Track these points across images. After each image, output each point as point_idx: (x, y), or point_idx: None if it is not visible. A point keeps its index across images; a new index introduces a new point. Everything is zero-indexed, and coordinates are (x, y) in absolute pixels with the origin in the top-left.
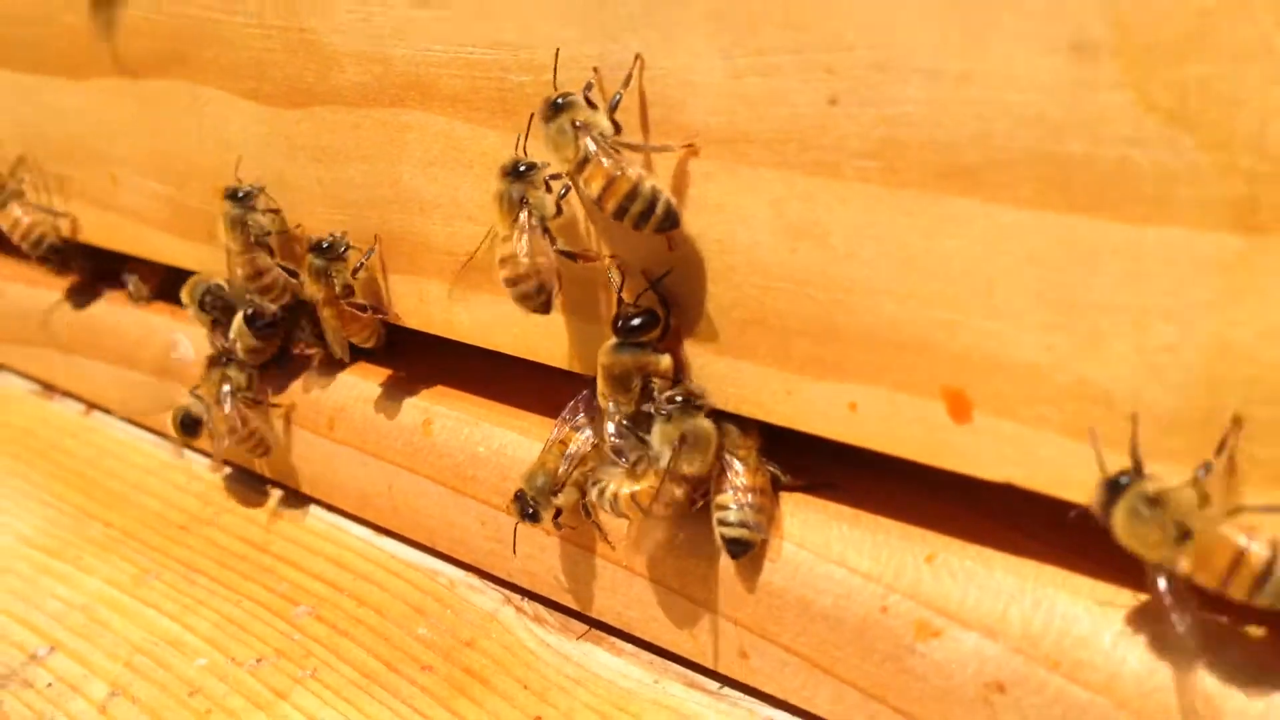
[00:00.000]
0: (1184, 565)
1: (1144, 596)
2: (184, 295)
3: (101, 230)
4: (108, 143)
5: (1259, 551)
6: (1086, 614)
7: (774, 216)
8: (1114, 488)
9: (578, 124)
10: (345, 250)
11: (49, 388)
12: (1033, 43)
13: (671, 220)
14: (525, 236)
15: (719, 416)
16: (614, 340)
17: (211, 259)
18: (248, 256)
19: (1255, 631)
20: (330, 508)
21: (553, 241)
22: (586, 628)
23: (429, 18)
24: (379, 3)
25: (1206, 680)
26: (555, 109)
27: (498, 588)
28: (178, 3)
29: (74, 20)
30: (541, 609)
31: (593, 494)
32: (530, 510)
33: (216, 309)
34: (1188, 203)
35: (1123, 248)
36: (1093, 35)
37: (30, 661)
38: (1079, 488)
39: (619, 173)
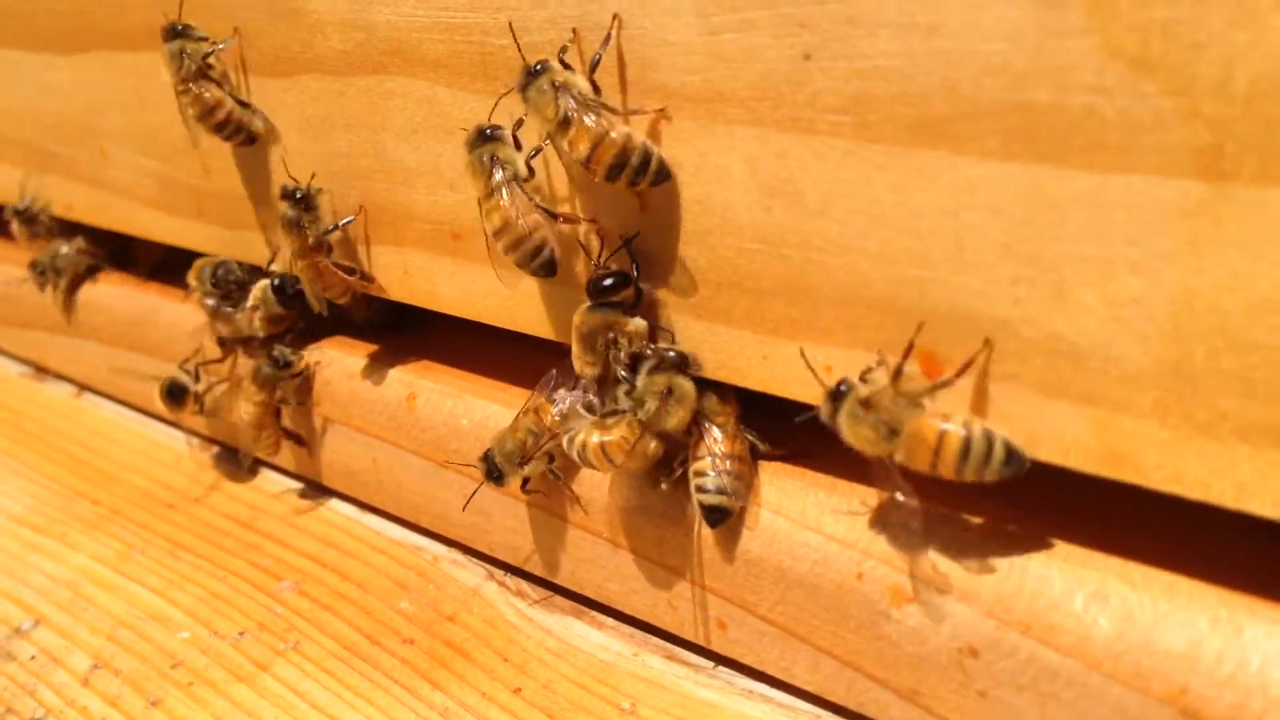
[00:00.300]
0: (900, 456)
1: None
2: (191, 278)
3: (92, 208)
4: (98, 117)
5: (956, 431)
6: (1059, 576)
7: (749, 175)
8: (836, 396)
9: (557, 84)
10: (317, 197)
11: (41, 370)
12: None
13: (664, 174)
14: (507, 196)
15: (698, 383)
16: (588, 302)
17: (201, 236)
18: (195, 93)
19: (974, 519)
20: (317, 485)
21: (529, 198)
22: (571, 603)
23: None
24: None
25: (936, 561)
26: (532, 75)
27: (481, 563)
28: None
29: None
30: (524, 583)
31: (563, 441)
32: (496, 473)
33: (229, 284)
34: (1151, 150)
35: (1088, 197)
36: None
37: (14, 635)
38: (1051, 446)
39: (606, 131)
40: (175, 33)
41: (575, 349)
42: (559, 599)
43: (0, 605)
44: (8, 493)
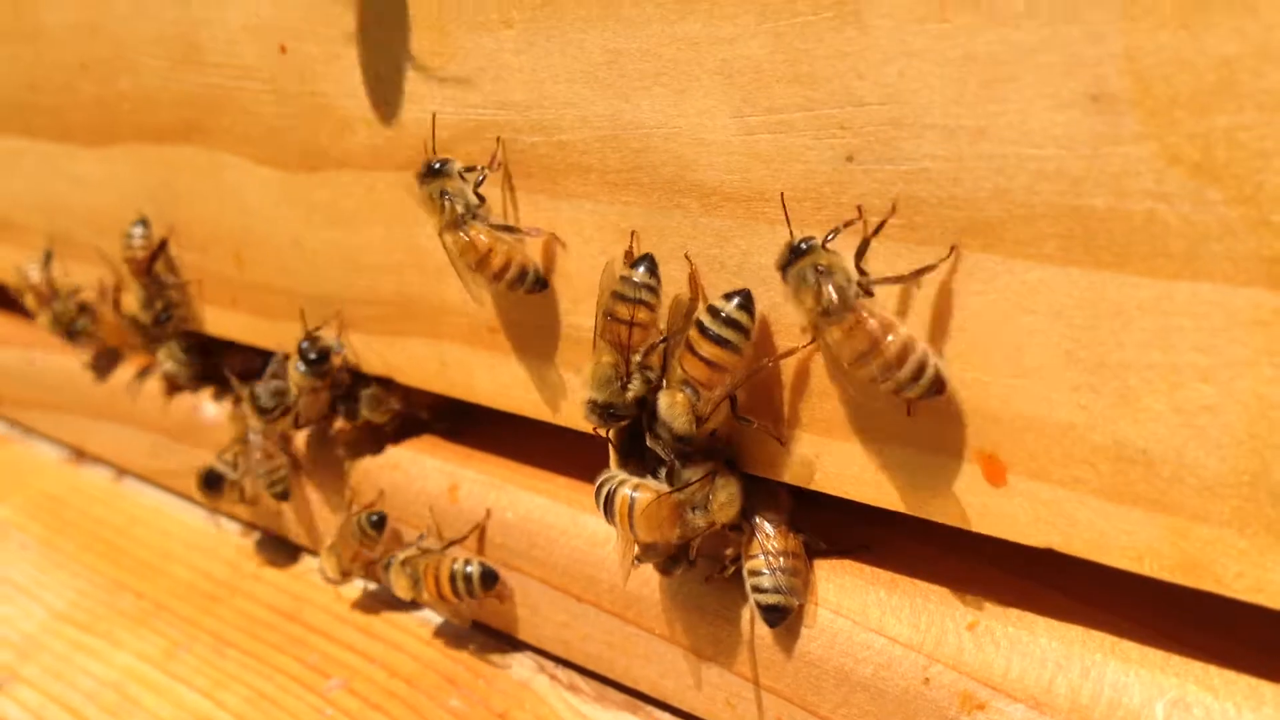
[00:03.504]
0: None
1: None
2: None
3: (128, 299)
4: (131, 211)
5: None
6: (1138, 683)
7: None
8: (795, 252)
9: (446, 192)
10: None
11: (79, 453)
12: (1049, 96)
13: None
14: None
15: (749, 480)
16: None
17: (235, 325)
18: None
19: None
20: None
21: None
22: (626, 697)
23: (437, 79)
24: (388, 66)
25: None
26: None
27: (531, 655)
28: (194, 71)
29: (93, 89)
30: (576, 676)
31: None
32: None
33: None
34: (1219, 258)
35: (1153, 304)
36: (1110, 87)
37: None
38: (1124, 554)
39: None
40: None
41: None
42: (613, 692)
43: (51, 711)
44: (51, 586)
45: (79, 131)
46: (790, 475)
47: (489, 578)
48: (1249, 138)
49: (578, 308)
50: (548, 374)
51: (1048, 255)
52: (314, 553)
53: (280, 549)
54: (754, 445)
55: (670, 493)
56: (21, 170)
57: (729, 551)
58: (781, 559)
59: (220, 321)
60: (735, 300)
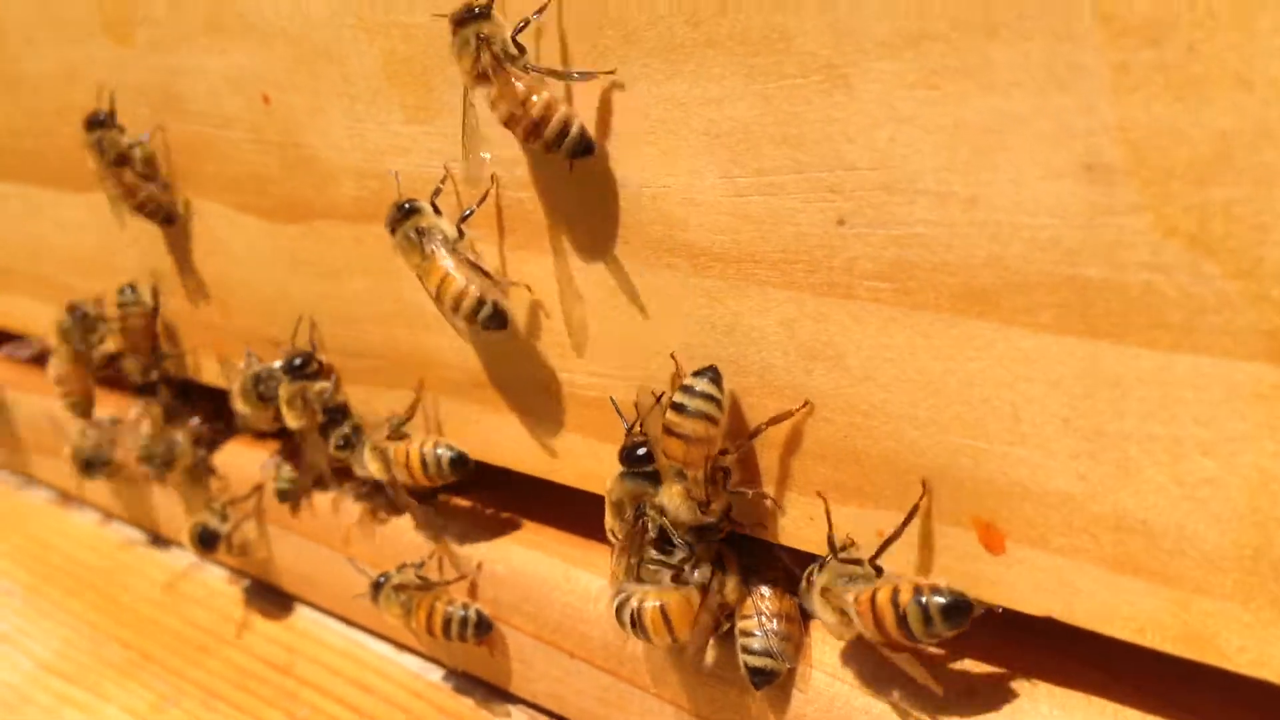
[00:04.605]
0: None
1: None
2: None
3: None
4: (113, 256)
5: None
6: None
7: (786, 338)
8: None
9: (422, 228)
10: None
11: (66, 496)
12: (1042, 164)
13: (585, 145)
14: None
15: (745, 540)
16: (620, 470)
17: (223, 375)
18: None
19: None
20: (351, 623)
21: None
22: None
23: (422, 133)
24: (373, 119)
25: None
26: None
27: (524, 708)
28: (175, 119)
29: (74, 133)
30: None
31: (613, 604)
32: None
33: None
34: (1218, 331)
35: (1151, 376)
36: (1105, 157)
37: None
38: (1126, 624)
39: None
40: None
41: (607, 514)
42: None
43: None
44: (36, 636)
45: (62, 176)
46: (787, 538)
47: (483, 627)
48: (1246, 211)
49: (566, 363)
50: (537, 429)
51: (1044, 324)
52: (307, 602)
53: (272, 597)
54: (751, 508)
55: (703, 598)
56: (5, 213)
57: (724, 612)
58: (775, 621)
59: (211, 370)
60: (706, 376)
